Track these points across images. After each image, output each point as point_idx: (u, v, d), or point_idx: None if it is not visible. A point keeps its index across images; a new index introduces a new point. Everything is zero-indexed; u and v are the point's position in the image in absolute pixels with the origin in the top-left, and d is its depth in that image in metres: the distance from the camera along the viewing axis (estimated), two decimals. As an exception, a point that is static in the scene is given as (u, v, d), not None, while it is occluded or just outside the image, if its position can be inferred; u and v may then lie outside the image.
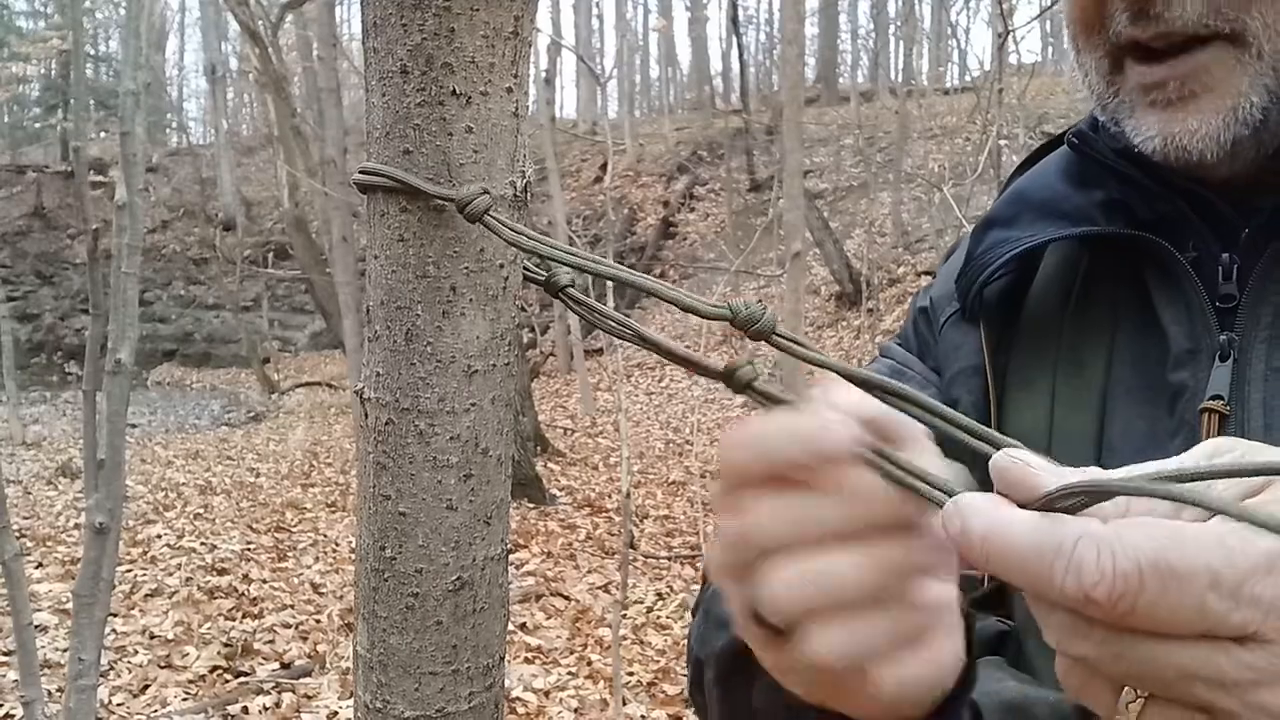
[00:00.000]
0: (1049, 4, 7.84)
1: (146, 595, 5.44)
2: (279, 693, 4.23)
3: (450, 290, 0.56)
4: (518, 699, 4.07)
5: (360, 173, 0.57)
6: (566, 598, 5.48)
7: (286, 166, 11.96)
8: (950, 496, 0.37)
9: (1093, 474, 0.35)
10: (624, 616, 4.54)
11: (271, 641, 4.85)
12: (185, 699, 4.21)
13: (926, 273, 12.02)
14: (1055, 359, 0.69)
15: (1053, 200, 0.70)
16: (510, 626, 4.04)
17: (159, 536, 6.73)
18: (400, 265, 0.57)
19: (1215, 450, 0.36)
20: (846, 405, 0.41)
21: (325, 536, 6.82)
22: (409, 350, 0.57)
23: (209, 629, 4.94)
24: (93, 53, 30.46)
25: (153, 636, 4.84)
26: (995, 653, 0.66)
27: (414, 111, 0.55)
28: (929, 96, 22.96)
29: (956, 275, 0.73)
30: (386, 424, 0.58)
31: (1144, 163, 0.64)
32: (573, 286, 0.55)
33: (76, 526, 6.61)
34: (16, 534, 4.14)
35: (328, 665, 4.55)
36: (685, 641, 0.71)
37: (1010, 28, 6.87)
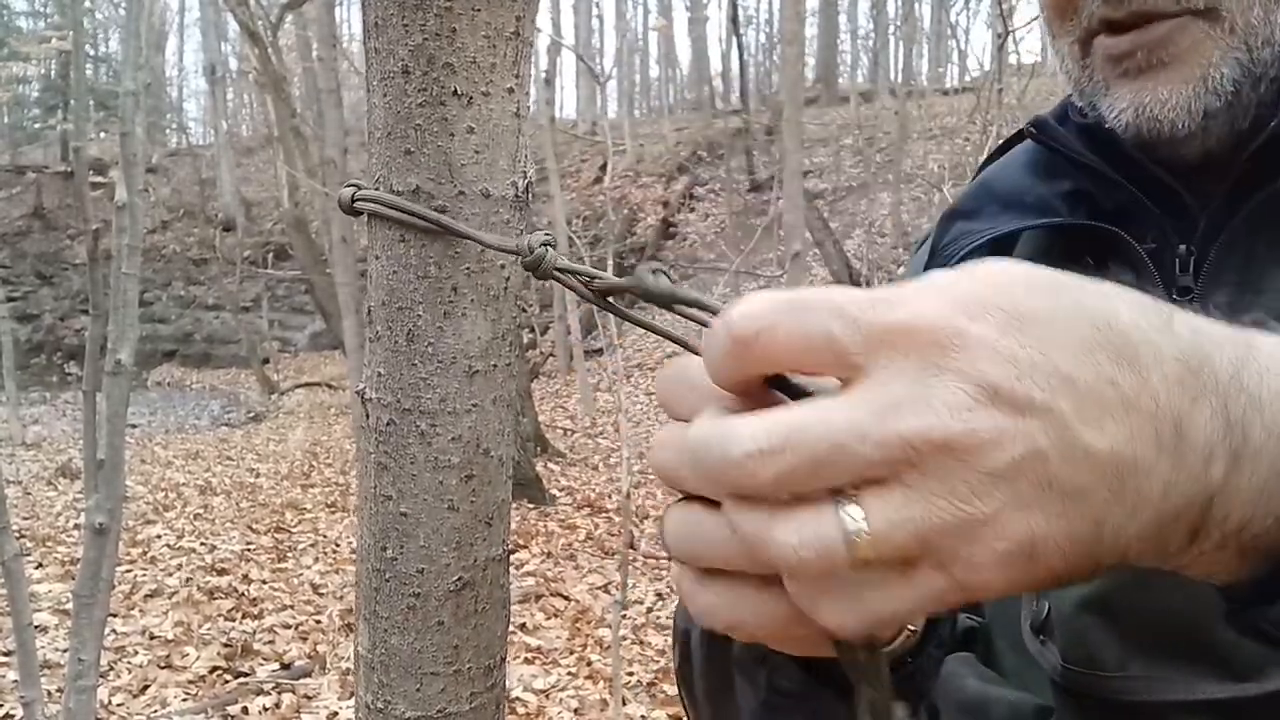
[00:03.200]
0: (1049, 4, 7.84)
1: (146, 595, 5.44)
2: (279, 693, 4.23)
3: (451, 290, 0.56)
4: (517, 699, 4.07)
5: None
6: (566, 598, 5.47)
7: (286, 167, 11.96)
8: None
9: None
10: (624, 617, 4.53)
11: (271, 642, 4.84)
12: (185, 699, 4.21)
13: (926, 273, 11.95)
14: None
15: (1016, 192, 0.70)
16: (510, 627, 4.04)
17: (159, 537, 6.73)
18: (401, 265, 0.57)
19: None
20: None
21: (325, 537, 6.82)
22: (410, 351, 0.57)
23: (209, 629, 4.93)
24: (93, 53, 30.46)
25: (152, 637, 4.84)
26: (965, 649, 0.66)
27: (415, 112, 0.55)
28: (928, 97, 22.97)
29: (924, 266, 0.73)
30: (388, 424, 0.58)
31: (1107, 152, 0.64)
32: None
33: (76, 527, 6.60)
34: (16, 534, 4.14)
35: (327, 666, 4.54)
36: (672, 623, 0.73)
37: (1010, 28, 6.87)
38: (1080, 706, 0.55)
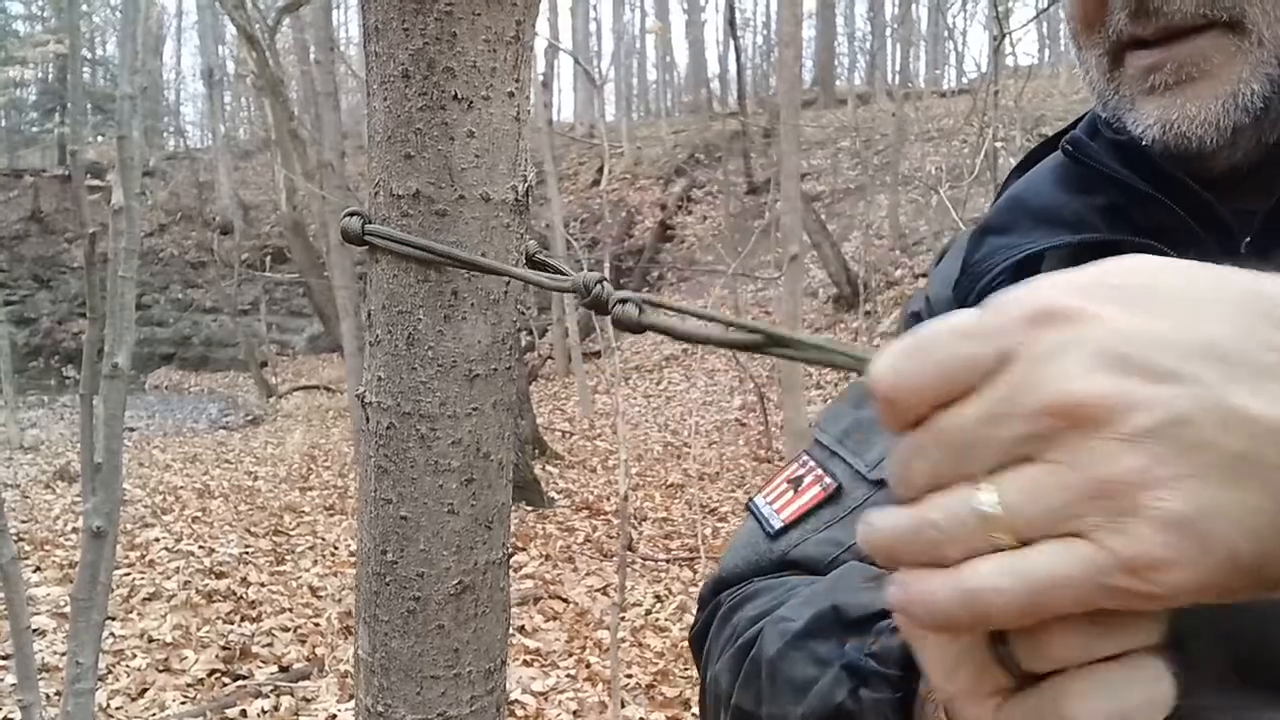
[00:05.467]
0: (1045, 6, 7.86)
1: (144, 599, 5.44)
2: (277, 696, 4.22)
3: (452, 295, 0.56)
4: (516, 702, 4.07)
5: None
6: (565, 600, 5.47)
7: (284, 170, 11.96)
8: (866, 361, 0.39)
9: None
10: (622, 619, 4.53)
11: (270, 645, 4.84)
12: (183, 703, 4.20)
13: (924, 275, 11.98)
14: None
15: (1051, 207, 0.69)
16: (509, 629, 4.02)
17: (157, 540, 6.72)
18: (402, 269, 0.56)
19: None
20: None
21: (323, 540, 6.81)
22: (410, 354, 0.57)
23: (207, 632, 4.93)
24: (90, 57, 30.42)
25: (151, 640, 4.83)
26: None
27: (416, 116, 0.55)
28: (926, 99, 22.99)
29: (954, 282, 0.72)
30: (388, 428, 0.58)
31: (1143, 168, 0.63)
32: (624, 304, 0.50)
33: (74, 530, 6.60)
34: (14, 538, 4.13)
35: (326, 669, 4.54)
36: (708, 679, 0.66)
37: (1006, 30, 6.88)
38: None
